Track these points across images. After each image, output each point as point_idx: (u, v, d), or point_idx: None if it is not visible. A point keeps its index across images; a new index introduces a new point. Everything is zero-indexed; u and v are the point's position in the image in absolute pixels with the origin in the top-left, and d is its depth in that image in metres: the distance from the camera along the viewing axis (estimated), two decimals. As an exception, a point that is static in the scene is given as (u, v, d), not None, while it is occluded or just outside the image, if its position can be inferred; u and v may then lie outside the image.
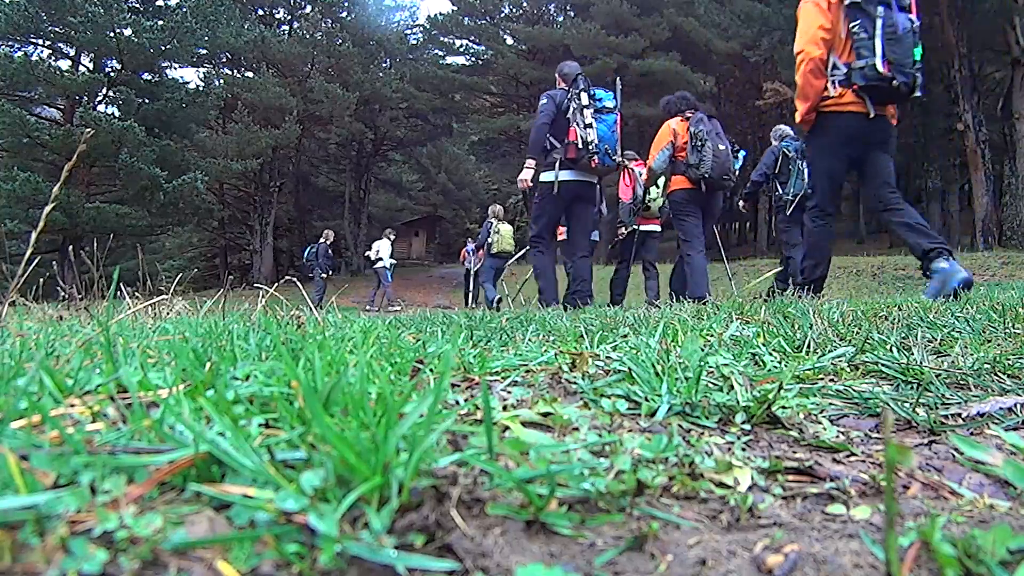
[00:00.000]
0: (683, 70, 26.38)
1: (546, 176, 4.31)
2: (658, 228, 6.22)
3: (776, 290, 3.97)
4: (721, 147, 4.45)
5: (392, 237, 13.75)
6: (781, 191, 5.56)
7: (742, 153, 5.08)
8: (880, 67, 2.92)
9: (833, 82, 3.09)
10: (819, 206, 3.36)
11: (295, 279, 1.99)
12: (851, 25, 2.99)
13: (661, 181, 5.14)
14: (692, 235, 4.46)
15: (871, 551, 0.44)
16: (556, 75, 4.62)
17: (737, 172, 4.78)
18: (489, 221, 10.01)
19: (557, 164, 4.27)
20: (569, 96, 4.33)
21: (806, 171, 5.07)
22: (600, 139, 4.24)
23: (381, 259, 13.30)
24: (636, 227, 6.04)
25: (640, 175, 5.85)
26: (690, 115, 4.59)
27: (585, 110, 4.24)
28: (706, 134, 4.41)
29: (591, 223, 4.71)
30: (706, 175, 4.22)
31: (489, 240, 9.93)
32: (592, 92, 4.42)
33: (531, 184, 4.38)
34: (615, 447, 0.59)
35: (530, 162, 4.35)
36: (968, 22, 17.65)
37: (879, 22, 2.94)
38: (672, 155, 4.57)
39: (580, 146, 4.18)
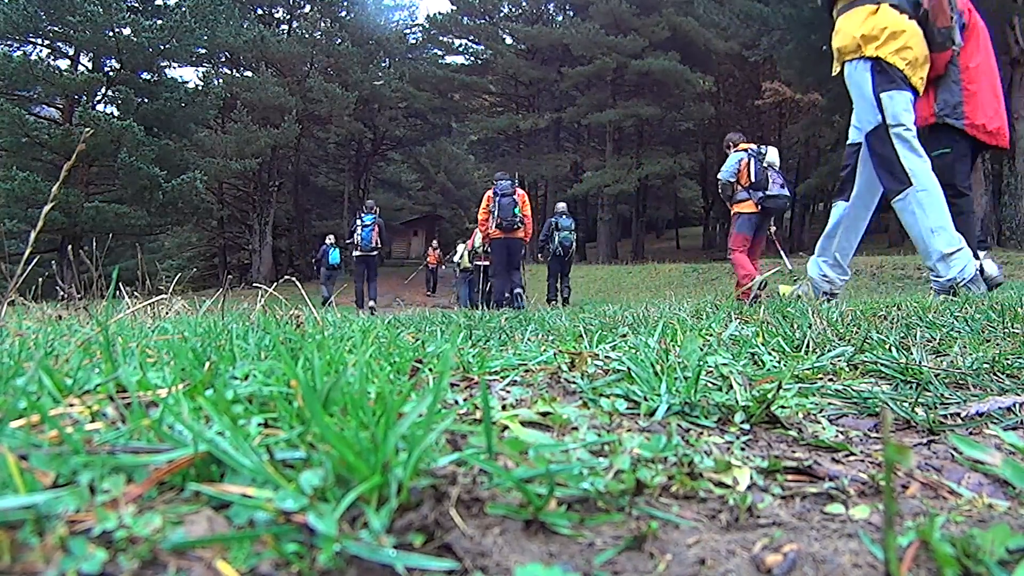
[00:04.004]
0: (682, 70, 26.37)
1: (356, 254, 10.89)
2: (487, 263, 10.62)
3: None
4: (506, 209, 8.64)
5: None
6: (551, 247, 10.06)
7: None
8: (495, 223, 7.89)
9: (492, 225, 7.96)
10: (496, 273, 8.31)
11: (295, 279, 1.99)
12: (491, 205, 7.98)
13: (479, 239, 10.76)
14: (497, 266, 8.50)
15: (870, 550, 0.44)
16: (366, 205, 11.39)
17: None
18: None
19: (354, 248, 10.76)
20: (356, 219, 10.89)
21: (557, 236, 9.97)
22: (362, 238, 10.42)
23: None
24: (479, 264, 11.06)
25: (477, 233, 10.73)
26: (502, 194, 8.73)
27: (358, 225, 10.57)
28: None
29: (374, 275, 10.80)
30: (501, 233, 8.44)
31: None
32: (362, 217, 10.64)
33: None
34: (614, 447, 0.59)
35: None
36: (967, 22, 17.64)
37: (496, 205, 7.89)
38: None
39: (355, 242, 10.50)
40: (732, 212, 6.05)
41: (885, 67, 2.87)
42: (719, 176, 6.01)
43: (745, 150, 6.01)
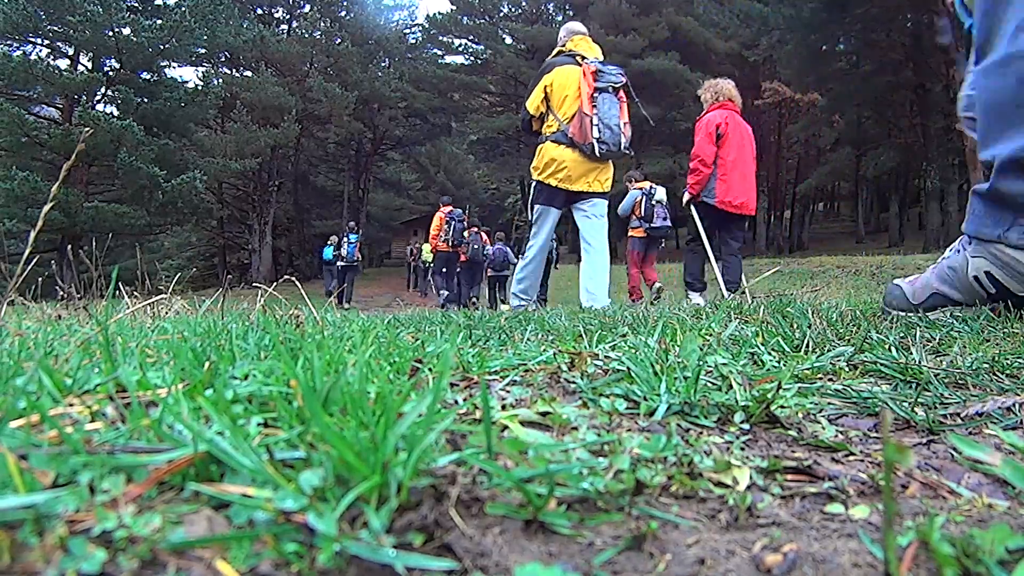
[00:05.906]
0: (682, 70, 26.38)
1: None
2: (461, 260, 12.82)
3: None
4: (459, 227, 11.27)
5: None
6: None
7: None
8: (446, 240, 10.87)
9: (440, 241, 10.99)
10: (439, 276, 11.59)
11: (294, 278, 1.99)
12: (443, 226, 11.00)
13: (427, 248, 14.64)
14: (437, 271, 11.17)
15: (870, 550, 0.44)
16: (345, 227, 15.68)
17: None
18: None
19: (339, 259, 14.92)
20: (343, 236, 14.88)
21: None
22: (347, 251, 14.29)
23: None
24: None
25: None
26: (446, 212, 11.33)
27: (344, 241, 14.51)
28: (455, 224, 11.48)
29: (353, 280, 14.71)
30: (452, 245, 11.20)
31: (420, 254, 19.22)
32: (348, 236, 14.30)
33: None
34: (614, 446, 0.59)
35: None
36: (967, 22, 17.62)
37: (451, 229, 11.00)
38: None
39: (341, 255, 14.53)
40: (627, 234, 8.32)
41: (543, 188, 4.24)
42: (618, 210, 7.99)
43: (640, 188, 8.19)
